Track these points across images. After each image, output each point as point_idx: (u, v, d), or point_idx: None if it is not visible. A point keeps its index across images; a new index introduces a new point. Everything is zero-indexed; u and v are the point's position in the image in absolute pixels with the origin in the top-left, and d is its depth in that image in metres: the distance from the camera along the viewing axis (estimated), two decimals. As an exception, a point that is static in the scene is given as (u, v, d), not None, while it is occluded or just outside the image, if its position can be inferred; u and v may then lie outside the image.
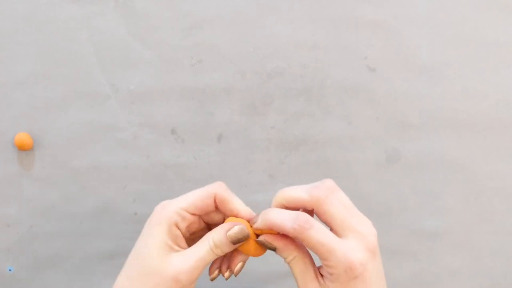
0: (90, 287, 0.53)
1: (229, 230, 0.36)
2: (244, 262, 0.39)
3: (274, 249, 0.37)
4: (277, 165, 0.53)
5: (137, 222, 0.52)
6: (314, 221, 0.35)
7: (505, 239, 0.54)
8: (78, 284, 0.53)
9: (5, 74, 0.50)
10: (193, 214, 0.37)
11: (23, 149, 0.50)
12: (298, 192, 0.37)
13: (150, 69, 0.51)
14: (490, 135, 0.53)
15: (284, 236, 0.37)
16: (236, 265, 0.38)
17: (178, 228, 0.37)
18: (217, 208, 0.38)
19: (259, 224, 0.37)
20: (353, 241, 0.35)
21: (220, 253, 0.37)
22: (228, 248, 0.37)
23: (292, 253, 0.37)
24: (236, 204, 0.38)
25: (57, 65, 0.50)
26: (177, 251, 0.36)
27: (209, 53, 0.51)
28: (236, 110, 0.52)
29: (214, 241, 0.36)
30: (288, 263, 0.37)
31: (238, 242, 0.36)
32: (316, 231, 0.35)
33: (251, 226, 0.38)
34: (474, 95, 0.53)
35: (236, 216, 0.38)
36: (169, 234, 0.36)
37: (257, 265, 0.53)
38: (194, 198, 0.37)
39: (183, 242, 0.37)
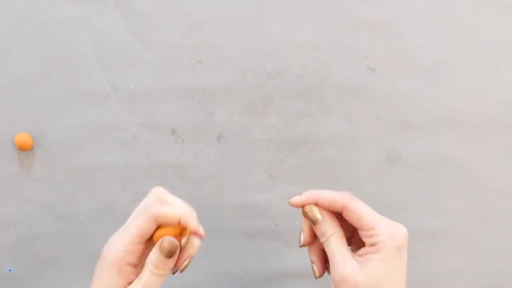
0: (90, 287, 0.53)
1: (161, 247, 0.36)
2: (190, 259, 0.38)
3: (315, 221, 0.38)
4: (277, 165, 0.53)
5: (137, 222, 0.52)
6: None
7: (505, 239, 0.54)
8: (78, 284, 0.53)
9: (5, 74, 0.50)
10: (142, 243, 0.37)
11: (23, 149, 0.50)
12: (329, 192, 0.39)
13: (150, 69, 0.51)
14: (490, 135, 0.53)
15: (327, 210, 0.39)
16: (182, 263, 0.38)
17: (130, 264, 0.36)
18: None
19: (303, 197, 0.38)
20: (393, 223, 0.38)
21: (164, 272, 0.36)
22: (170, 264, 0.37)
23: (333, 228, 0.38)
24: (168, 212, 0.37)
25: (57, 65, 0.50)
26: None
27: (209, 53, 0.51)
28: (236, 110, 0.52)
29: (153, 264, 0.36)
30: (326, 240, 0.38)
31: (173, 254, 0.36)
32: (361, 203, 0.38)
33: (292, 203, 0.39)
34: (474, 95, 0.53)
35: (165, 224, 0.37)
36: (120, 276, 0.36)
37: (257, 265, 0.53)
38: (136, 229, 0.37)
39: (134, 274, 0.37)
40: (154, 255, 0.36)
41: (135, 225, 0.37)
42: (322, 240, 0.38)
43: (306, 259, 0.40)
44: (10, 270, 0.52)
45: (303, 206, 0.39)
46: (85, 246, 0.52)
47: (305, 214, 0.38)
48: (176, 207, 0.38)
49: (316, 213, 0.38)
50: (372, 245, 0.37)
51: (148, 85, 0.51)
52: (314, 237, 0.40)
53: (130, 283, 0.36)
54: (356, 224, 0.38)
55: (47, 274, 0.53)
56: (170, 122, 0.52)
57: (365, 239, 0.37)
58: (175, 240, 0.36)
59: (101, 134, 0.51)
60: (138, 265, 0.37)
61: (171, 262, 0.37)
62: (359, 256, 0.37)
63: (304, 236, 0.40)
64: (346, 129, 0.53)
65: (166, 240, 0.36)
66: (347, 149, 0.53)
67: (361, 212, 0.38)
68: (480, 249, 0.54)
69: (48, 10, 0.49)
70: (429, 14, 0.52)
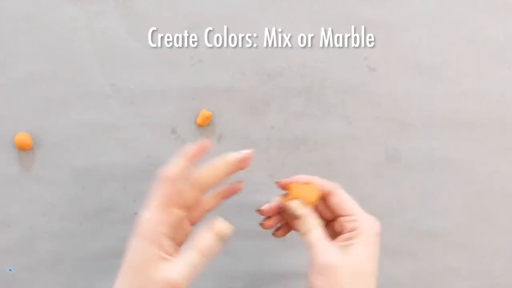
0: (90, 287, 0.53)
1: (215, 230, 0.37)
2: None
3: (298, 217, 0.39)
4: (277, 165, 0.53)
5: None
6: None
7: (505, 239, 0.54)
8: (78, 284, 0.53)
9: (5, 74, 0.50)
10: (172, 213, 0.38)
11: (23, 149, 0.50)
12: (317, 177, 0.42)
13: (150, 69, 0.51)
14: (490, 135, 0.53)
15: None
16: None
17: (163, 234, 0.36)
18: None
19: (295, 177, 0.42)
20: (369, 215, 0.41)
21: (211, 256, 0.37)
22: (217, 248, 0.37)
23: (314, 220, 0.39)
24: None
25: (57, 65, 0.50)
26: (167, 259, 0.36)
27: (209, 53, 0.51)
28: (236, 110, 0.52)
29: (202, 249, 0.36)
30: (306, 232, 0.39)
31: (228, 237, 0.37)
32: (345, 192, 0.41)
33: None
34: (474, 95, 0.53)
35: None
36: (158, 246, 0.36)
37: (257, 265, 0.53)
38: (161, 198, 0.37)
39: (171, 248, 0.37)
40: (205, 241, 0.36)
41: (158, 194, 0.37)
42: (302, 232, 0.39)
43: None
44: (10, 270, 0.53)
45: (287, 200, 0.41)
46: (85, 246, 0.52)
47: (287, 210, 0.40)
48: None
49: (300, 208, 0.40)
50: (353, 230, 0.39)
51: (148, 85, 0.51)
52: (276, 218, 0.43)
53: (167, 253, 0.36)
54: (338, 209, 0.41)
55: (47, 274, 0.53)
56: (170, 122, 0.52)
57: (346, 224, 0.40)
58: (228, 226, 0.37)
59: (101, 134, 0.51)
60: (176, 237, 0.38)
61: (219, 247, 0.37)
62: (339, 243, 0.39)
63: (269, 208, 0.43)
64: (346, 129, 0.53)
65: (225, 225, 0.37)
66: (347, 149, 0.53)
67: (346, 199, 0.41)
68: (480, 249, 0.54)
69: (48, 10, 0.49)
70: (429, 14, 0.52)
